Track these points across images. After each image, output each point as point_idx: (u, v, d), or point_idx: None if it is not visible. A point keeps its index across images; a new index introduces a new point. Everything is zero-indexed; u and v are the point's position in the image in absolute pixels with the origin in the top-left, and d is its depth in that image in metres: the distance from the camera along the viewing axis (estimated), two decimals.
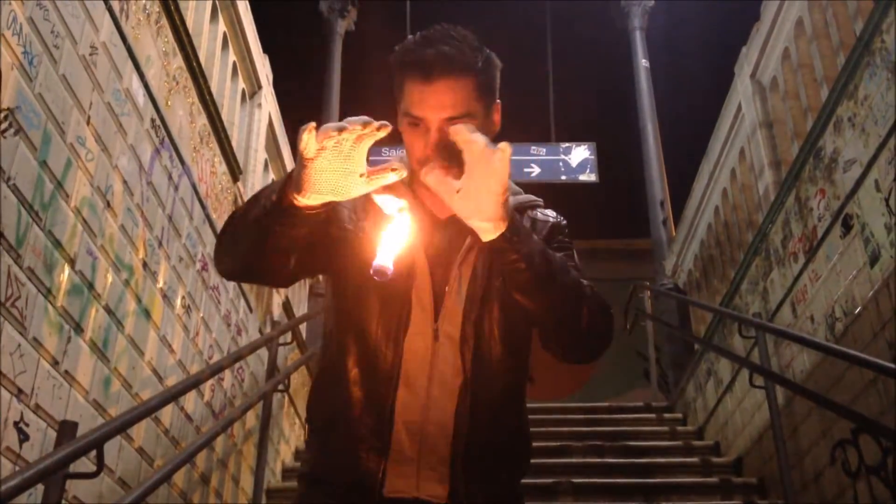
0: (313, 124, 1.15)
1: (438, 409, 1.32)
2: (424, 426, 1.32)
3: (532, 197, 1.54)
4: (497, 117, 1.42)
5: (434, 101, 1.31)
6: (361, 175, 1.19)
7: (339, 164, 1.17)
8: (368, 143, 1.17)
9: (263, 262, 1.32)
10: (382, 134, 1.16)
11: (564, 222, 1.50)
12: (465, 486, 1.31)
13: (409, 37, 1.39)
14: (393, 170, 1.20)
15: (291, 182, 1.21)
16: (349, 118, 1.16)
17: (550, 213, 1.51)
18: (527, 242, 1.25)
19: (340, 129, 1.13)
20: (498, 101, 1.42)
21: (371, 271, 1.17)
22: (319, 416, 1.42)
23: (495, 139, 1.43)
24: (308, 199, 1.21)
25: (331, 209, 1.33)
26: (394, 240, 1.21)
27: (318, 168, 1.17)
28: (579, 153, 10.13)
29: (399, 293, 1.35)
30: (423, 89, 1.31)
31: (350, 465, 1.33)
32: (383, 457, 1.32)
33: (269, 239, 1.27)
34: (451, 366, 1.34)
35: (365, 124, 1.14)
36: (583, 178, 10.07)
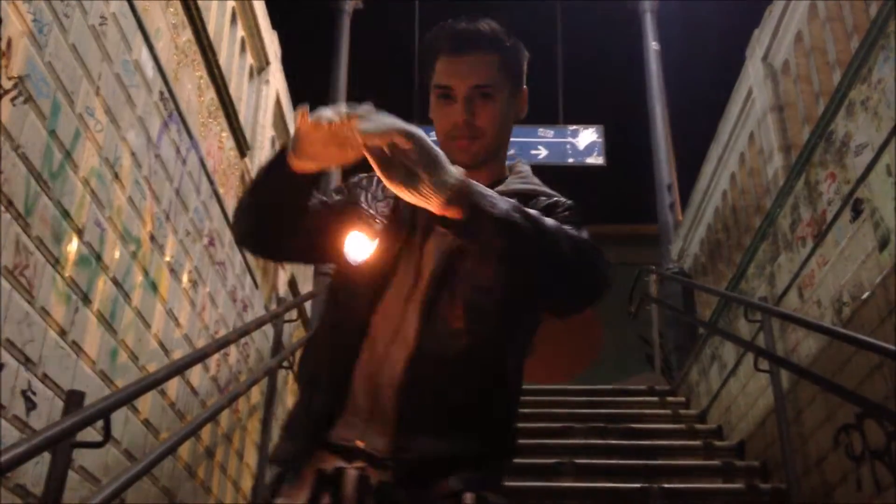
0: (305, 109, 1.23)
1: (392, 366, 1.31)
2: (379, 381, 1.31)
3: (541, 189, 1.47)
4: (523, 104, 1.51)
5: (464, 70, 1.41)
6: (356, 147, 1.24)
7: (335, 143, 1.25)
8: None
9: (271, 223, 1.41)
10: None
11: (566, 201, 1.44)
12: (404, 443, 1.27)
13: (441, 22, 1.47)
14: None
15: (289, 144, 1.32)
16: (346, 107, 1.21)
17: (552, 196, 1.45)
18: (486, 227, 1.21)
19: (327, 119, 1.20)
20: (525, 87, 1.50)
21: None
22: (303, 374, 1.45)
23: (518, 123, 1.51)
24: (302, 161, 1.31)
25: (348, 191, 1.50)
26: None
27: (313, 140, 1.27)
28: (587, 136, 10.06)
29: (387, 257, 1.39)
30: (454, 60, 1.42)
31: (309, 410, 1.35)
32: (337, 405, 1.32)
33: (273, 196, 1.38)
34: (413, 328, 1.33)
35: (350, 116, 1.18)
36: (590, 161, 10.00)
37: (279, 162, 1.34)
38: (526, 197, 1.43)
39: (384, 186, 1.46)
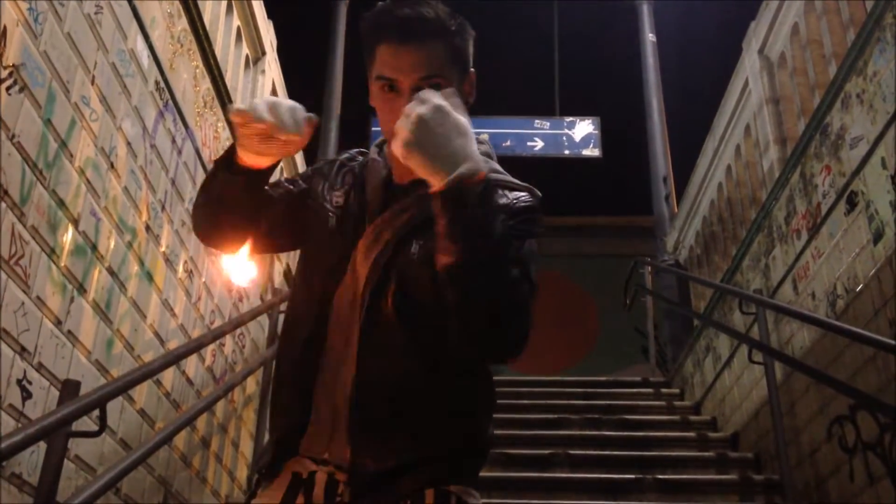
0: (237, 109, 1.21)
1: (344, 385, 1.30)
2: (335, 388, 1.31)
3: (504, 178, 1.39)
4: (472, 88, 1.39)
5: (408, 61, 1.30)
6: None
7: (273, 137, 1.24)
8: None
9: (227, 221, 1.38)
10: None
11: (524, 204, 1.33)
12: (358, 453, 1.27)
13: (380, 2, 1.37)
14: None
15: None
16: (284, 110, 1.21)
17: (513, 196, 1.34)
18: (469, 220, 1.14)
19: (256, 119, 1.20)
20: (472, 70, 1.39)
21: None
22: (276, 373, 1.45)
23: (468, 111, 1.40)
24: (249, 157, 1.29)
25: (309, 179, 1.45)
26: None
27: (250, 136, 1.25)
28: (583, 128, 10.05)
29: (340, 254, 1.35)
30: (398, 49, 1.30)
31: (280, 420, 1.37)
32: (304, 415, 1.32)
33: (225, 193, 1.34)
34: (356, 341, 1.30)
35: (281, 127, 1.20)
36: (586, 153, 10.00)
37: (227, 159, 1.31)
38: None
39: (342, 174, 1.44)
